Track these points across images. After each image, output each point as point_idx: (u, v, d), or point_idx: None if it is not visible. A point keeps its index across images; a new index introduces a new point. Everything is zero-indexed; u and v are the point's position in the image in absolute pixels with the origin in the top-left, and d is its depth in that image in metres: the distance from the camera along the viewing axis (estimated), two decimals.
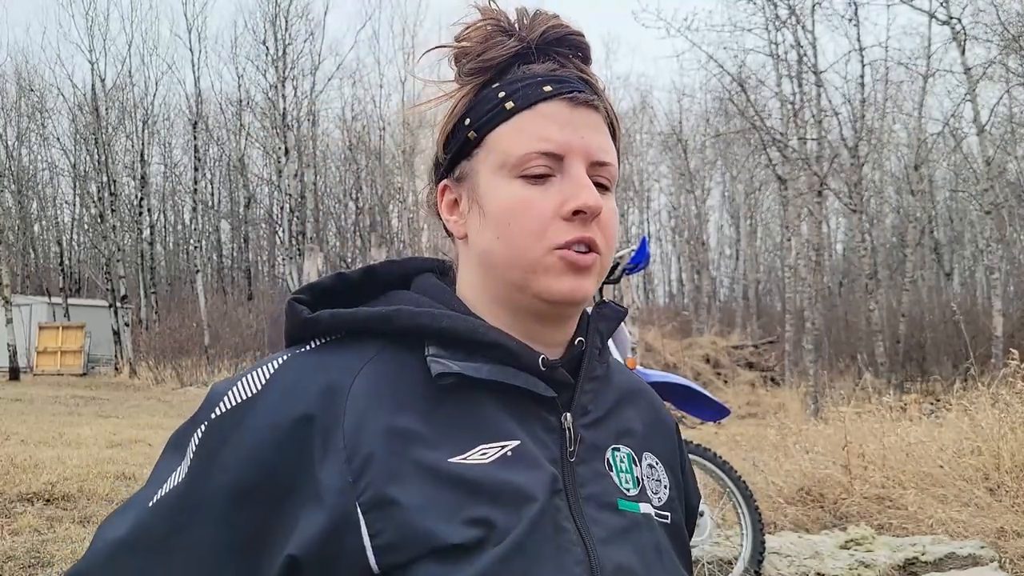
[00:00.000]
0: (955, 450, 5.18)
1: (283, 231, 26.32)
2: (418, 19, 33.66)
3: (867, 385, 9.86)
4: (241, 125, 29.02)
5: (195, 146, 28.82)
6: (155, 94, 35.32)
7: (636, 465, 0.81)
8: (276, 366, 0.75)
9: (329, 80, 28.60)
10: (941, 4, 13.99)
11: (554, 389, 0.76)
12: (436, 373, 0.72)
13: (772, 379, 17.49)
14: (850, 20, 15.56)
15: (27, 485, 5.30)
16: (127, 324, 24.24)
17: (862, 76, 15.85)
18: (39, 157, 31.59)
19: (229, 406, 0.73)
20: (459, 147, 0.79)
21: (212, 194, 34.02)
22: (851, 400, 8.00)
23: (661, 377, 3.29)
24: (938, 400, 10.14)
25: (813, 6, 14.65)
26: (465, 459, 0.70)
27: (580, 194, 0.74)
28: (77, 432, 8.41)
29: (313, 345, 0.77)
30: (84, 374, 21.78)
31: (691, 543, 0.88)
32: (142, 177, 28.30)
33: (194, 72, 30.60)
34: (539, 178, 0.75)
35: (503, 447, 0.72)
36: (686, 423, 9.85)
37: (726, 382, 17.06)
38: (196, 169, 29.25)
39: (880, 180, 25.05)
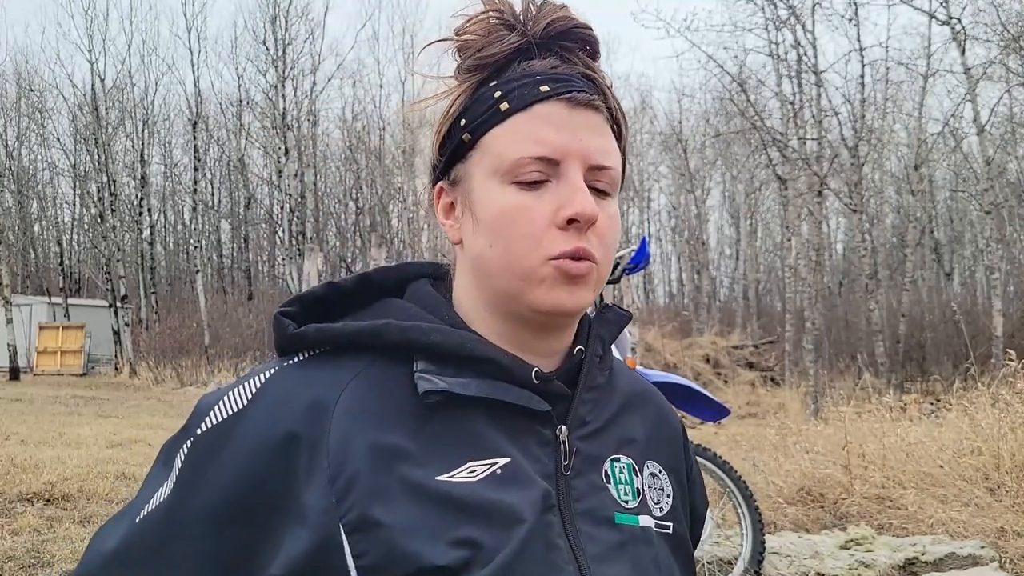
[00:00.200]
0: (955, 450, 5.18)
1: (283, 231, 26.34)
2: (418, 19, 33.79)
3: (867, 385, 9.84)
4: (241, 125, 29.02)
5: (195, 146, 28.86)
6: (155, 94, 35.51)
7: (637, 475, 0.79)
8: (263, 380, 0.73)
9: (329, 80, 28.68)
10: (941, 4, 13.99)
11: (550, 401, 0.74)
12: (423, 391, 0.70)
13: (772, 379, 17.48)
14: (850, 20, 15.56)
15: (27, 485, 5.30)
16: (127, 324, 24.25)
17: (862, 76, 15.85)
18: (39, 157, 31.68)
19: (215, 421, 0.72)
20: (454, 149, 0.76)
21: (212, 194, 34.07)
22: (851, 400, 8.00)
23: (661, 377, 3.28)
24: (938, 400, 10.15)
25: (813, 6, 14.66)
26: (453, 477, 0.68)
27: (575, 201, 0.70)
28: (77, 432, 8.41)
29: (301, 357, 0.75)
30: (84, 374, 21.78)
31: None
32: (142, 177, 28.31)
33: (194, 72, 30.73)
34: (533, 184, 0.71)
35: (493, 464, 0.70)
36: (686, 423, 9.85)
37: (726, 382, 17.05)
38: (196, 169, 29.29)
39: (880, 180, 25.07)
